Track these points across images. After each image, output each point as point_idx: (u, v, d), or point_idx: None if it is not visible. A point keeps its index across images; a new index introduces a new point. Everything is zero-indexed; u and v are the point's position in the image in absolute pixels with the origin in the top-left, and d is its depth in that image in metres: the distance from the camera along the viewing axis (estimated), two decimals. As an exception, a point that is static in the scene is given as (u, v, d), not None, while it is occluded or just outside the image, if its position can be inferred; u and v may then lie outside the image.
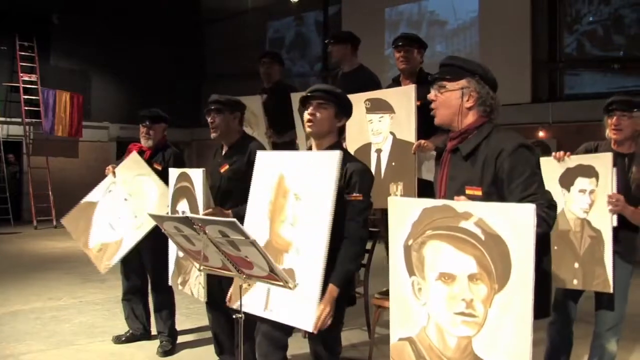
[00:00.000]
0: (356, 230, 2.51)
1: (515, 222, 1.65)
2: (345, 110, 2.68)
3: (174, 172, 3.46)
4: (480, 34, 10.26)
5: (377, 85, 4.09)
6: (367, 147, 3.49)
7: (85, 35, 13.32)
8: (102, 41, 13.42)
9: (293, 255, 2.45)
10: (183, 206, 3.28)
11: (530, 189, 1.93)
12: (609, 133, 2.95)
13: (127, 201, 3.93)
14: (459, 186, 2.07)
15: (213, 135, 3.30)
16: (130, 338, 4.27)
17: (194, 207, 3.20)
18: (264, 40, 14.51)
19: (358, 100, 3.38)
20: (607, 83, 8.60)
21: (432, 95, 2.17)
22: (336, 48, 4.37)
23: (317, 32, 13.71)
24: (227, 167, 3.27)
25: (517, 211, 1.66)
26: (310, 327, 2.34)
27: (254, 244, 2.11)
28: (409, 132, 3.26)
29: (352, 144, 3.51)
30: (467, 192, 2.01)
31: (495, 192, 1.98)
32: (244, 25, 14.33)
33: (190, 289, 3.31)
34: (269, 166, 2.66)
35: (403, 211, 1.94)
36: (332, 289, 2.41)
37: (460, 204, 1.78)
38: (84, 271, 6.97)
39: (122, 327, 4.35)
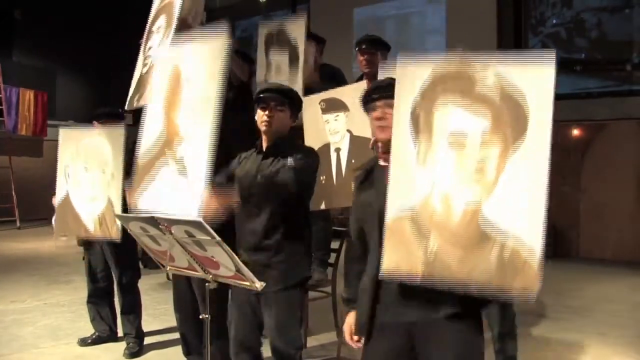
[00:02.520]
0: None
1: (534, 71, 1.62)
2: (298, 111, 2.79)
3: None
4: (447, 36, 10.41)
5: (342, 78, 4.12)
6: (326, 147, 3.51)
7: (49, 31, 13.04)
8: (67, 38, 13.16)
9: (184, 143, 2.46)
10: (160, 22, 3.22)
11: None
12: None
13: (88, 169, 3.83)
14: None
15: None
16: (96, 340, 4.21)
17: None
18: (231, 39, 14.42)
19: (313, 102, 3.41)
20: (570, 84, 8.79)
21: (378, 113, 2.10)
22: None
23: (286, 31, 13.68)
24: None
25: (537, 59, 1.61)
26: (196, 210, 2.32)
27: (220, 244, 2.12)
28: (364, 128, 3.28)
29: (312, 141, 3.52)
30: None
31: None
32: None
33: (145, 99, 3.25)
34: (167, 59, 2.69)
35: (412, 75, 1.85)
36: None
37: (474, 57, 1.74)
38: (48, 273, 6.85)
39: (88, 330, 4.29)
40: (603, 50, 8.84)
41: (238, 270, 2.21)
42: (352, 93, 3.39)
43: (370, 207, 2.09)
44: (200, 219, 2.11)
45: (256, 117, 2.70)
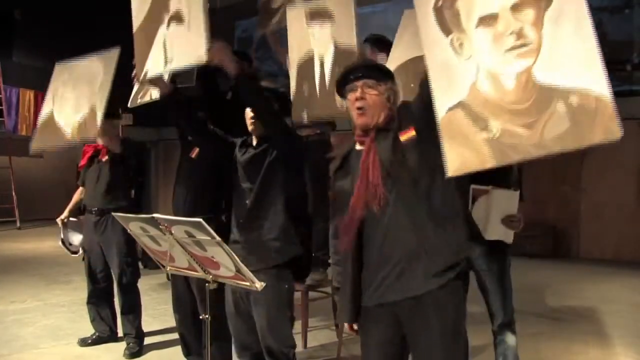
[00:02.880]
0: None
1: None
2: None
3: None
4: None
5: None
6: (310, 58, 3.45)
7: (49, 31, 13.03)
8: (67, 38, 13.15)
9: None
10: None
11: None
12: None
13: (75, 87, 3.75)
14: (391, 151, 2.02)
15: None
16: (96, 340, 4.21)
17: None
18: (232, 39, 14.44)
19: (298, 11, 3.36)
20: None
21: (358, 93, 2.07)
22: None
23: (286, 31, 13.68)
24: None
25: None
26: (202, 55, 2.36)
27: (220, 244, 2.12)
28: (349, 37, 3.23)
29: (295, 56, 3.46)
30: (402, 137, 2.00)
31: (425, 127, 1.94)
32: (212, 25, 14.23)
33: (150, 94, 3.27)
34: None
35: None
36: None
37: None
38: (48, 273, 6.85)
39: (88, 330, 4.29)
40: (603, 50, 8.80)
41: (238, 270, 2.21)
42: (337, 1, 3.34)
43: (346, 195, 2.11)
44: (200, 220, 2.11)
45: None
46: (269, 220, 2.68)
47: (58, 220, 4.25)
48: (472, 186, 2.86)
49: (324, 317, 4.43)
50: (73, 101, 3.69)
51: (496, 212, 2.83)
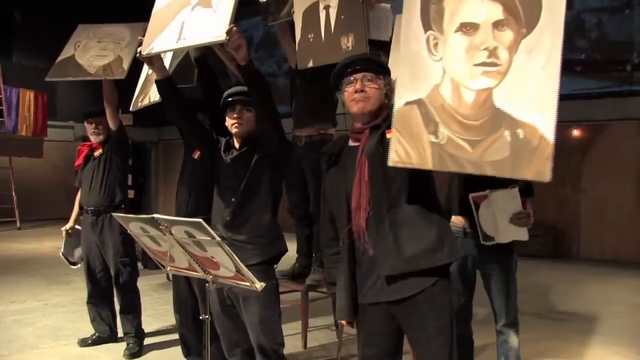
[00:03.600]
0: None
1: None
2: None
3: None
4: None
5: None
6: (315, 5, 3.45)
7: (49, 31, 13.02)
8: (67, 38, 13.12)
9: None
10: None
11: None
12: None
13: (101, 42, 3.90)
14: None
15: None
16: (96, 341, 4.21)
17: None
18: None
19: None
20: (570, 85, 8.80)
21: (359, 85, 2.06)
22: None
23: (286, 31, 13.66)
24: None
25: None
26: (222, 34, 2.35)
27: (220, 244, 2.12)
28: None
29: (299, 5, 3.45)
30: (388, 134, 1.99)
31: None
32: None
33: (149, 97, 3.27)
34: None
35: None
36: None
37: None
38: (48, 273, 6.85)
39: (88, 330, 4.29)
40: (603, 51, 8.84)
41: (238, 270, 2.21)
42: None
43: (339, 193, 2.13)
44: (200, 220, 2.11)
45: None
46: (256, 217, 2.71)
47: (63, 230, 4.27)
48: (471, 195, 2.86)
49: (324, 317, 4.43)
50: (97, 50, 3.85)
51: (502, 214, 2.82)
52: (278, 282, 2.85)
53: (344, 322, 2.23)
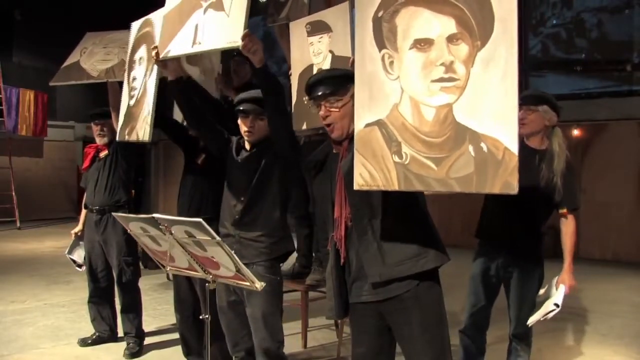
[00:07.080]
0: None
1: None
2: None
3: (135, 24, 3.36)
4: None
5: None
6: (309, 68, 3.50)
7: (49, 31, 13.04)
8: (67, 38, 13.12)
9: None
10: (141, 53, 3.18)
11: None
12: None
13: (106, 48, 3.99)
14: None
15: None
16: (96, 340, 4.21)
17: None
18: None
19: (300, 25, 3.41)
20: (570, 84, 8.80)
21: (322, 111, 2.12)
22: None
23: (286, 32, 13.65)
24: None
25: None
26: (237, 40, 2.32)
27: (220, 244, 2.12)
28: (344, 46, 3.27)
29: (296, 68, 3.51)
30: None
31: None
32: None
33: (136, 133, 3.17)
34: None
35: None
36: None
37: None
38: (48, 273, 6.85)
39: (88, 330, 4.29)
40: (603, 51, 8.84)
41: (238, 270, 2.21)
42: (335, 14, 3.40)
43: (326, 199, 2.18)
44: (200, 220, 2.11)
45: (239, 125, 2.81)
46: (265, 216, 2.74)
47: (72, 232, 4.32)
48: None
49: (324, 317, 4.42)
50: (101, 55, 3.94)
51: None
52: (282, 280, 2.87)
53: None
